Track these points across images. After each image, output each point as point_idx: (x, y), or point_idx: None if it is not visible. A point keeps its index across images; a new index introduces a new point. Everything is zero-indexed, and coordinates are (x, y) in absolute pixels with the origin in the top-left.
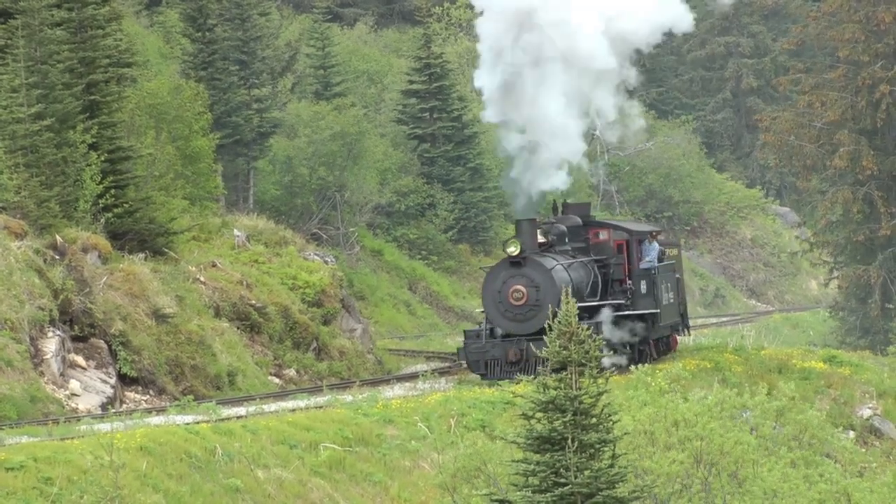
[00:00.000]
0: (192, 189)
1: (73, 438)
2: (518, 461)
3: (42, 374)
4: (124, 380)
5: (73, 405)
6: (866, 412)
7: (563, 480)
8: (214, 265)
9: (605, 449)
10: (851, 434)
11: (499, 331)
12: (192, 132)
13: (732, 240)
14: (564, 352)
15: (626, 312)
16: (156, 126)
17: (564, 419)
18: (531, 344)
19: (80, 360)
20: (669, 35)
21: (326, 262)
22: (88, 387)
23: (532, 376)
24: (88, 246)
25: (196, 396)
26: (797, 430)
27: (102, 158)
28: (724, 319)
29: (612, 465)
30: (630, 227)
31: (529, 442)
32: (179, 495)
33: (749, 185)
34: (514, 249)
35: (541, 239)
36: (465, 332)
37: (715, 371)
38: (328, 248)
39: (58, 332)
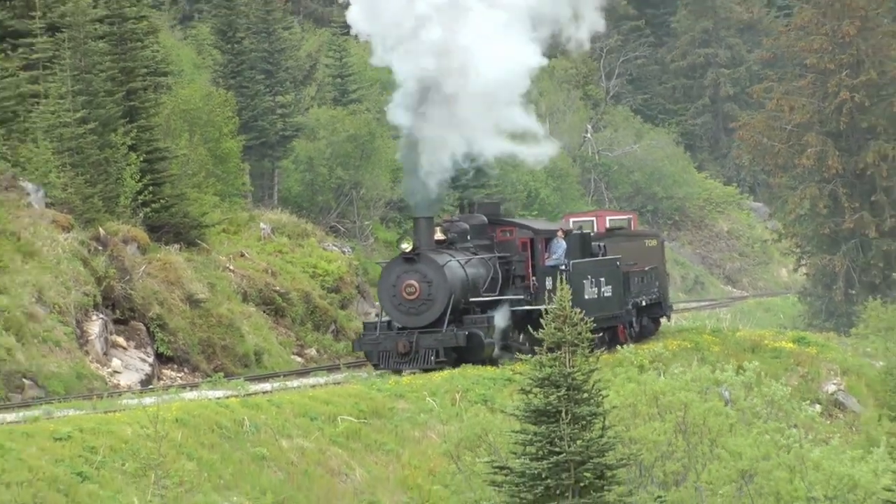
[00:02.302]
0: (222, 186)
1: (115, 412)
2: (517, 432)
3: (87, 353)
4: (161, 358)
5: (115, 381)
6: (831, 388)
7: (557, 449)
8: (242, 255)
9: (596, 421)
10: (818, 407)
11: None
12: (221, 135)
13: (710, 232)
14: (559, 333)
15: (526, 307)
16: (189, 129)
17: (559, 394)
18: (420, 336)
19: (121, 340)
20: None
21: (344, 253)
22: (129, 365)
23: (422, 367)
24: (129, 238)
25: (226, 374)
26: (765, 402)
27: (141, 159)
28: (703, 304)
29: (602, 436)
30: (535, 226)
31: (527, 414)
32: (211, 462)
33: (726, 182)
34: (406, 246)
35: (442, 237)
36: (364, 324)
37: (695, 350)
38: (345, 239)
39: (101, 316)
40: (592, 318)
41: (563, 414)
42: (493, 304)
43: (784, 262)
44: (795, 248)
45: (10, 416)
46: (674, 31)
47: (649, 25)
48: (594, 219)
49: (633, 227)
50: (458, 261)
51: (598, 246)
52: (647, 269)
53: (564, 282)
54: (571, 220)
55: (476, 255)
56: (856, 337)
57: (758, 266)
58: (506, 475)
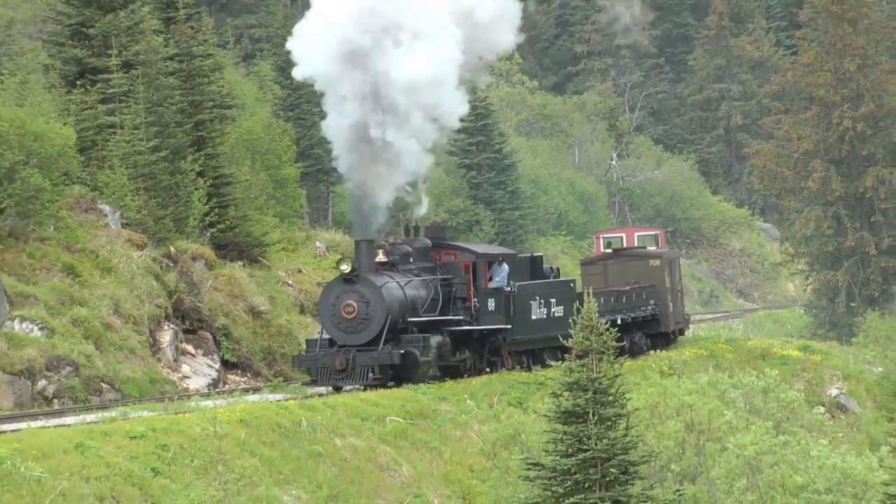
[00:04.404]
0: (281, 209)
1: (184, 413)
2: (548, 431)
3: (159, 360)
4: (226, 365)
5: (185, 385)
6: (834, 391)
7: (585, 447)
8: (300, 271)
9: (620, 421)
10: (822, 409)
11: None
12: (281, 162)
13: (725, 250)
14: (587, 341)
15: (466, 328)
16: (251, 157)
17: (586, 397)
18: (357, 354)
19: (190, 348)
20: (670, 83)
21: None
22: (197, 370)
23: (357, 384)
24: (197, 255)
25: (285, 378)
26: (779, 406)
27: (208, 184)
28: (718, 316)
29: (625, 435)
30: (477, 250)
31: (557, 415)
32: (272, 459)
33: (738, 205)
34: (345, 267)
35: (384, 259)
36: (307, 340)
37: (710, 358)
38: None
39: (172, 326)
40: (536, 336)
41: (591, 415)
42: (432, 325)
43: (791, 277)
44: (802, 267)
45: (90, 417)
46: (691, 68)
47: (669, 63)
48: (623, 234)
49: (660, 243)
50: (397, 282)
51: (551, 268)
52: (641, 286)
53: (512, 302)
54: (602, 236)
55: (417, 276)
56: (856, 346)
57: (767, 281)
58: (538, 470)
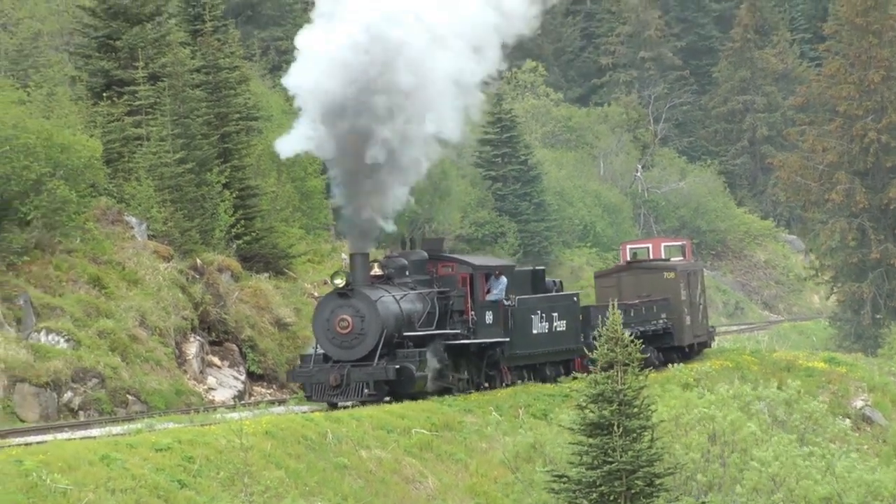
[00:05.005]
0: (307, 220)
1: (210, 424)
2: (573, 443)
3: (185, 371)
4: (252, 376)
5: (210, 397)
6: (859, 403)
7: (610, 459)
8: (326, 283)
9: (645, 433)
10: (847, 421)
11: None
12: (306, 174)
13: (749, 262)
14: (611, 353)
15: (463, 342)
16: (277, 169)
17: (611, 408)
18: (352, 369)
19: (216, 360)
20: (695, 94)
21: None
22: (223, 382)
23: (354, 400)
24: (223, 267)
25: None
26: (803, 417)
27: (234, 195)
28: (743, 327)
29: (650, 447)
30: (475, 262)
31: (582, 427)
32: (298, 471)
33: (763, 216)
34: (339, 281)
35: (379, 272)
36: (300, 355)
37: (735, 369)
38: None
39: (198, 338)
40: (538, 351)
41: (616, 427)
42: (429, 339)
43: (816, 289)
44: (827, 279)
45: (115, 429)
46: (715, 80)
47: (693, 75)
48: (650, 245)
49: (687, 254)
50: (392, 296)
51: (553, 282)
52: (652, 300)
53: (512, 315)
54: (628, 247)
55: (413, 290)
56: (882, 357)
57: (792, 293)
58: (563, 483)
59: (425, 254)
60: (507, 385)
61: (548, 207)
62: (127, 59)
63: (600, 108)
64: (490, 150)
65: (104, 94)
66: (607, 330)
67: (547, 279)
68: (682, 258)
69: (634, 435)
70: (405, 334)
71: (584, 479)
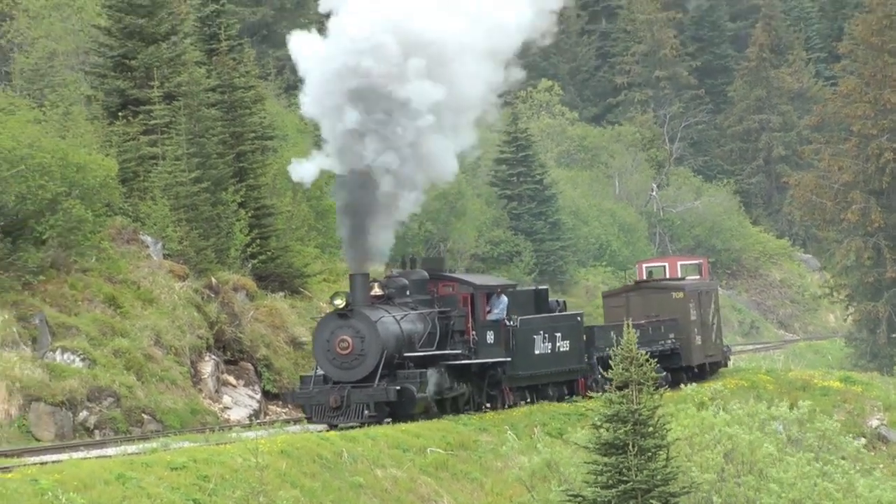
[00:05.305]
0: (323, 239)
1: (225, 444)
2: (588, 462)
3: (200, 390)
4: (267, 395)
5: (226, 416)
6: (875, 422)
7: (625, 479)
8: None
9: (660, 452)
10: (863, 440)
11: None
12: (322, 193)
13: (765, 281)
14: (626, 373)
15: (464, 361)
16: (292, 188)
17: (626, 428)
18: (352, 391)
19: (231, 379)
20: (710, 113)
21: None
22: (238, 401)
23: (354, 422)
24: (238, 286)
25: None
26: (817, 436)
27: (249, 214)
28: (759, 346)
29: (665, 466)
30: (476, 282)
31: (598, 447)
32: (313, 490)
33: (778, 235)
34: (339, 302)
35: (379, 292)
36: (301, 377)
37: (751, 388)
38: None
39: (213, 357)
40: (540, 372)
41: (631, 446)
42: (430, 359)
43: (832, 308)
44: (842, 298)
45: (131, 448)
46: (730, 99)
47: (708, 94)
48: (666, 264)
49: (704, 272)
50: (393, 316)
51: (557, 302)
52: (659, 320)
53: (514, 336)
54: (645, 265)
55: (414, 310)
56: None
57: (808, 312)
58: (579, 502)
59: (426, 273)
60: (509, 406)
61: (563, 226)
62: (142, 79)
63: (610, 128)
64: (505, 169)
65: (120, 114)
66: (622, 349)
67: (550, 299)
68: (698, 277)
69: (649, 454)
70: (406, 355)
71: (599, 499)
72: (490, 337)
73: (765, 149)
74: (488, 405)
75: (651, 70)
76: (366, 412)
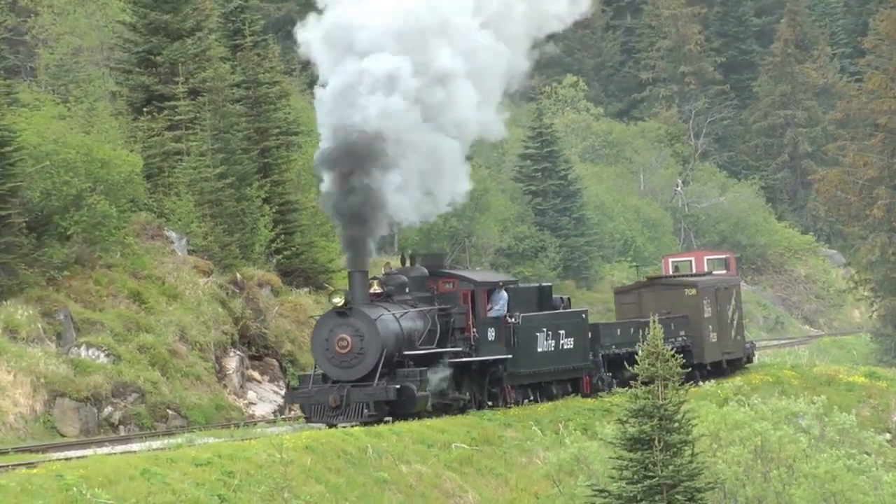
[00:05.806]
0: None
1: (250, 439)
2: (613, 458)
3: (225, 386)
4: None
5: (251, 412)
6: None
7: (651, 474)
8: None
9: (686, 448)
10: (888, 436)
11: None
12: None
13: (790, 276)
14: (652, 368)
15: (465, 359)
16: (317, 184)
17: (652, 423)
18: (352, 390)
19: (256, 375)
20: (735, 109)
21: None
22: (263, 397)
23: (354, 421)
24: (263, 282)
25: None
26: (837, 431)
27: (274, 210)
28: (784, 342)
29: (691, 461)
30: (476, 278)
31: (623, 442)
32: (338, 486)
33: (803, 231)
34: (338, 300)
35: (378, 290)
36: (299, 376)
37: (776, 384)
38: None
39: (238, 352)
40: (545, 369)
41: (656, 441)
42: (430, 357)
43: (857, 304)
44: (868, 294)
45: (155, 444)
46: (756, 94)
47: (734, 90)
48: (692, 258)
49: (730, 267)
50: (392, 314)
51: (561, 299)
52: (669, 317)
53: (516, 333)
54: (671, 260)
55: (414, 307)
56: None
57: (833, 307)
58: (604, 497)
59: (425, 270)
60: (510, 405)
61: (588, 222)
62: (167, 74)
63: (634, 123)
64: (530, 164)
65: (144, 109)
66: (648, 344)
67: (554, 296)
68: (724, 271)
69: (675, 449)
70: (406, 353)
71: (624, 494)
72: (491, 334)
73: (790, 144)
74: (490, 403)
75: (676, 65)
76: (365, 411)
